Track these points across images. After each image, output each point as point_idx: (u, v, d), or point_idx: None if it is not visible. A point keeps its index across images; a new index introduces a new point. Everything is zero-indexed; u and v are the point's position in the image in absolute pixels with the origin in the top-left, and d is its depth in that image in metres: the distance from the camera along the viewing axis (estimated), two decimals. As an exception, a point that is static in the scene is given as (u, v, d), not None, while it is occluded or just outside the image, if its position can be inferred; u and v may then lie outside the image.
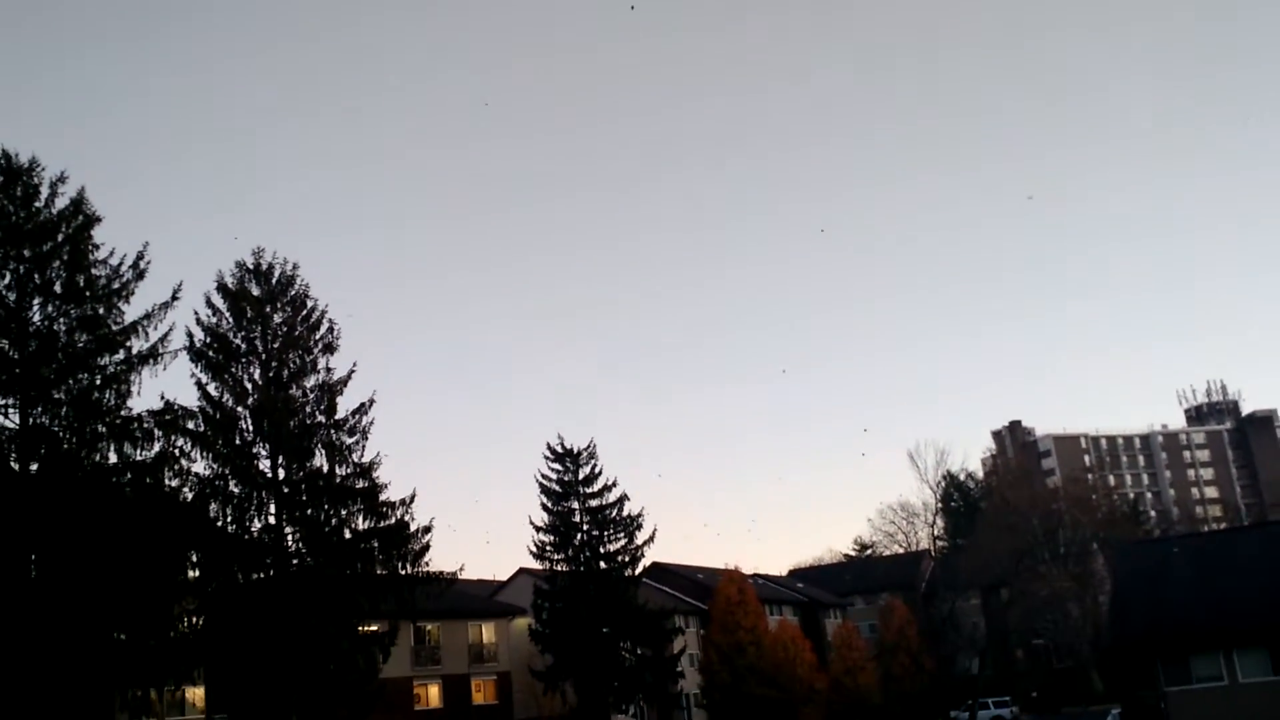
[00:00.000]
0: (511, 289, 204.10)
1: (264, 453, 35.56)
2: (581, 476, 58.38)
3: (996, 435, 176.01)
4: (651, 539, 57.92)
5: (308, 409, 36.60)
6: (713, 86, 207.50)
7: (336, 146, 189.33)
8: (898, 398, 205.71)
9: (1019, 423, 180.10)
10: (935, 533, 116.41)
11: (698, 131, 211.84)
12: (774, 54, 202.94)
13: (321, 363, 37.35)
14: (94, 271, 30.40)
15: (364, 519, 36.39)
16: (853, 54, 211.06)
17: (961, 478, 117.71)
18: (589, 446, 59.04)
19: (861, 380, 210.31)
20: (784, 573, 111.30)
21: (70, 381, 29.09)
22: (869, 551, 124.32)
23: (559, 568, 57.15)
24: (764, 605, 72.22)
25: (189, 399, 34.31)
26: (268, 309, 37.07)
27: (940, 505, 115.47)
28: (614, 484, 58.47)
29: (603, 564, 57.10)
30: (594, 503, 58.07)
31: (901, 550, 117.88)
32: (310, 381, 37.05)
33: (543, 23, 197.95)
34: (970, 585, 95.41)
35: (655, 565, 71.62)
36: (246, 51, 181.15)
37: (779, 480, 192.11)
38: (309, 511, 35.55)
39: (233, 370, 36.07)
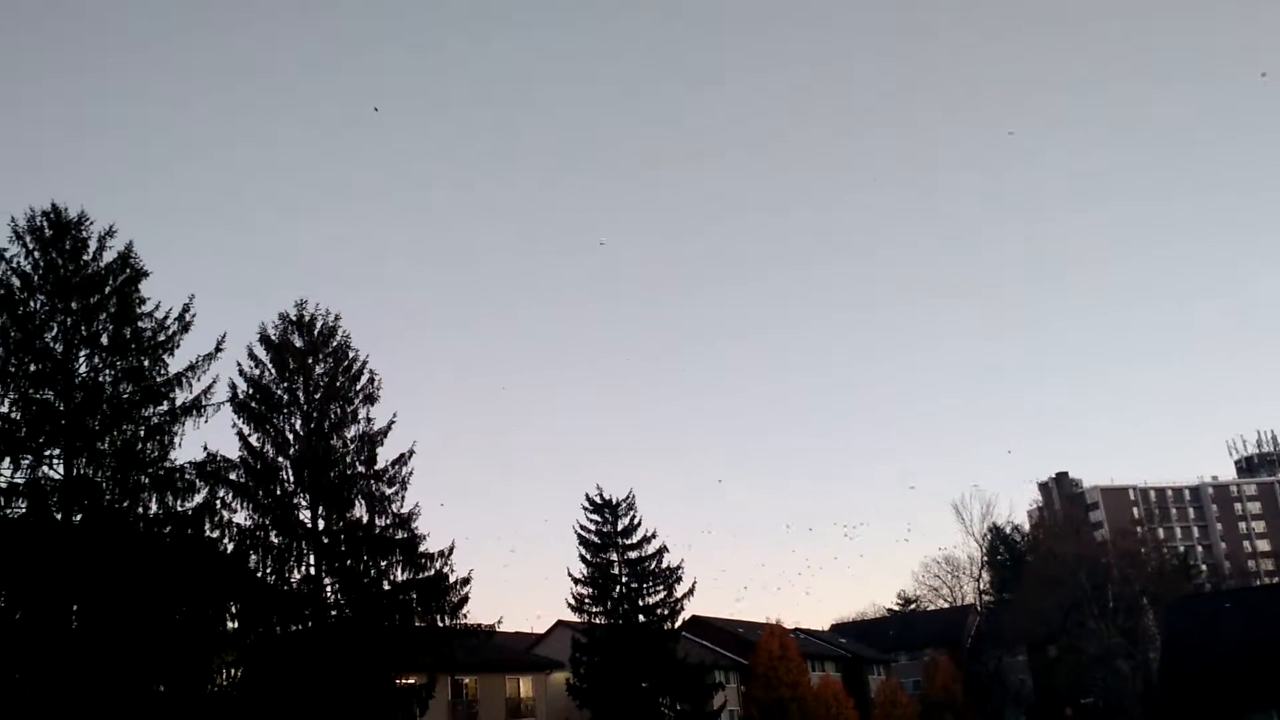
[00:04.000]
0: (550, 340, 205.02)
1: (304, 503, 35.57)
2: (620, 528, 57.88)
3: (1043, 487, 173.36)
4: (691, 592, 57.40)
5: (348, 459, 36.64)
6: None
7: (378, 198, 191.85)
8: (942, 449, 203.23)
9: (1065, 474, 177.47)
10: (981, 587, 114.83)
11: (739, 178, 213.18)
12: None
13: (362, 413, 37.47)
14: (140, 324, 30.67)
15: (403, 570, 36.30)
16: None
17: (1007, 530, 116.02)
18: (628, 497, 58.70)
19: (905, 431, 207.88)
20: (826, 627, 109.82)
21: (114, 433, 29.24)
22: (913, 606, 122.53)
23: (597, 620, 56.52)
24: (806, 660, 71.12)
25: (231, 449, 34.53)
26: (309, 360, 37.27)
27: (986, 559, 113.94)
28: (653, 535, 58.01)
29: (642, 617, 56.41)
30: (633, 554, 57.50)
31: (946, 604, 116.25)
32: (351, 432, 37.15)
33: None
34: (1017, 641, 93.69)
35: (695, 619, 70.89)
36: (294, 106, 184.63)
37: (812, 531, 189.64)
38: (348, 562, 35.46)
39: (274, 421, 36.20)
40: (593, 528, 57.94)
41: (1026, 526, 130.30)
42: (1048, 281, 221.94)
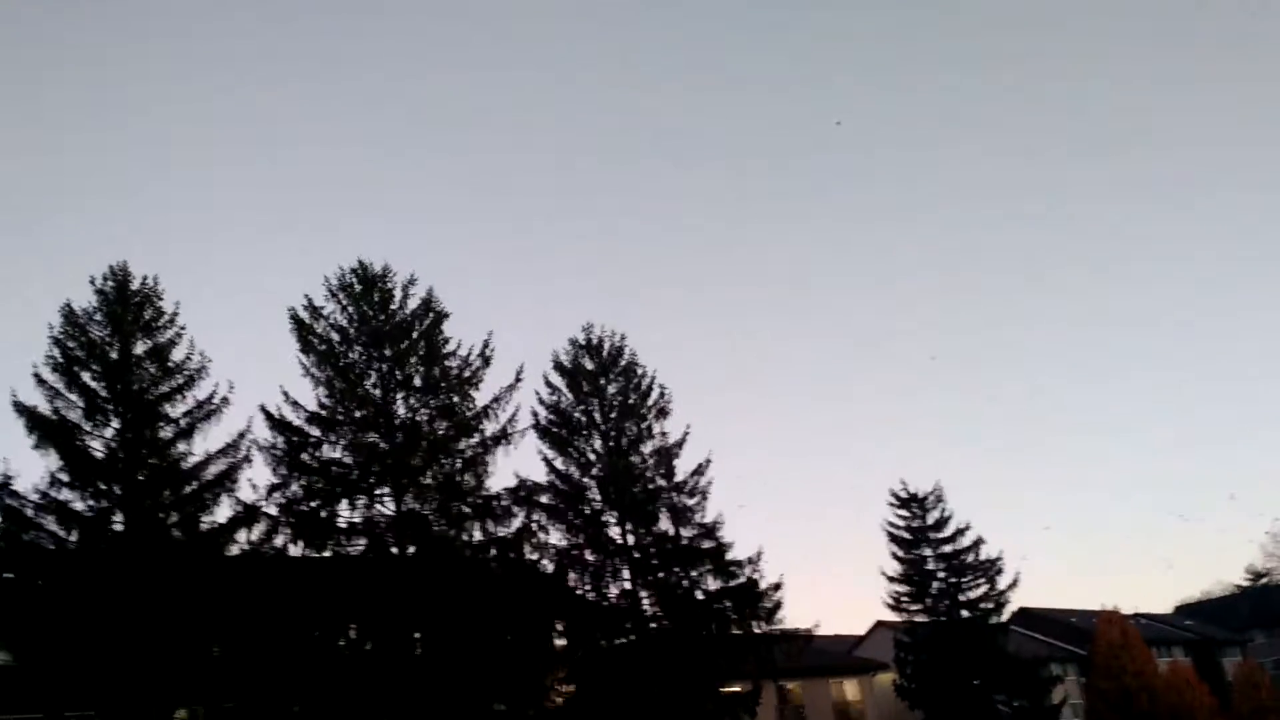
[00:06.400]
0: (838, 334, 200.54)
1: (612, 520, 36.42)
2: (930, 522, 56.14)
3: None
4: (1015, 583, 54.52)
5: (648, 474, 37.27)
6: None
7: (664, 217, 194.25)
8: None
9: None
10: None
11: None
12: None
13: (656, 428, 38.05)
14: (447, 363, 32.73)
15: (713, 579, 36.38)
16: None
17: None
18: (935, 490, 56.57)
19: (1241, 396, 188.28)
20: (1168, 609, 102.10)
21: (435, 467, 31.20)
22: (1264, 580, 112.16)
23: (917, 618, 54.92)
24: (1150, 647, 66.08)
25: (537, 474, 35.99)
26: (601, 381, 38.36)
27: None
28: (966, 528, 55.59)
29: (964, 612, 54.32)
30: (947, 548, 55.42)
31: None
32: (647, 448, 37.80)
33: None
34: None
35: (1022, 610, 67.47)
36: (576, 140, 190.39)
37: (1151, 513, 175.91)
38: (659, 575, 35.99)
39: (575, 443, 37.38)
40: (901, 524, 56.38)
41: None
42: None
